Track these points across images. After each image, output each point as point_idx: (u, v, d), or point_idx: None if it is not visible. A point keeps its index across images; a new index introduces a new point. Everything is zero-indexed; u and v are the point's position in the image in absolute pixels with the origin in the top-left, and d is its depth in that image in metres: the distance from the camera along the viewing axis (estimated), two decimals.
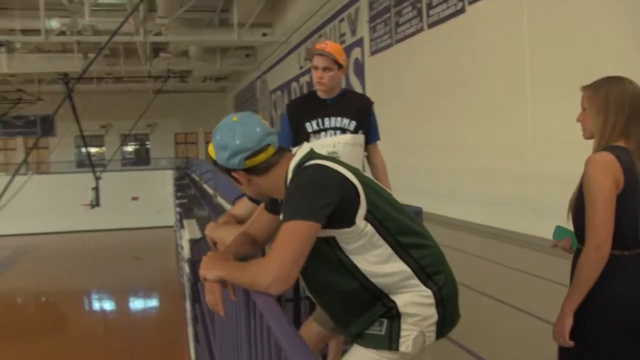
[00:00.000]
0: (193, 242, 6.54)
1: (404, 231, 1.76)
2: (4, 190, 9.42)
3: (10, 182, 9.61)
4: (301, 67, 14.68)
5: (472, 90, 6.70)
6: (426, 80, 7.79)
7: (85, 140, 19.75)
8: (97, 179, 18.89)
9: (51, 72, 19.18)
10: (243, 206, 2.83)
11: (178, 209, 16.61)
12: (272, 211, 1.94)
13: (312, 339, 2.27)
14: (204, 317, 4.64)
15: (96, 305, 16.53)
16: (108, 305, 16.33)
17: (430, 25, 7.55)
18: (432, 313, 1.74)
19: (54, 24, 14.66)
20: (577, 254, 2.12)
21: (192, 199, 15.38)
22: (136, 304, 16.19)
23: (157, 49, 20.11)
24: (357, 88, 10.51)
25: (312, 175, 1.70)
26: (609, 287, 2.01)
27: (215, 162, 1.82)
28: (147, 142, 31.05)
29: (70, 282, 16.97)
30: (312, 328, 2.29)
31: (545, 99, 5.57)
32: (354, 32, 10.54)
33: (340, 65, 3.22)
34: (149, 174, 25.53)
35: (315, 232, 1.62)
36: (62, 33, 15.05)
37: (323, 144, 3.23)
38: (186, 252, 7.61)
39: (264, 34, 16.46)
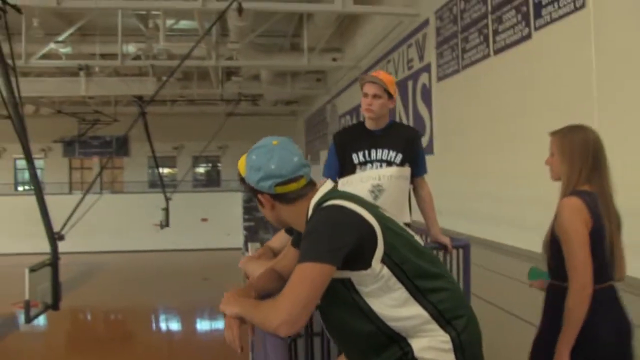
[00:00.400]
0: None
1: (423, 275, 1.71)
2: (75, 208, 9.76)
3: (81, 200, 9.97)
4: None
5: (538, 118, 6.47)
6: (493, 107, 7.60)
7: (156, 160, 20.33)
8: (168, 199, 19.37)
9: (127, 94, 19.91)
10: (279, 239, 2.81)
11: (244, 232, 16.79)
12: (299, 246, 1.93)
13: None
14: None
15: (163, 325, 16.83)
16: (175, 325, 16.58)
17: (497, 52, 7.38)
18: (450, 359, 1.67)
19: (131, 48, 15.27)
20: (549, 289, 2.36)
21: (258, 222, 15.53)
22: (203, 324, 16.36)
23: (229, 73, 20.59)
24: (425, 114, 10.39)
25: (329, 216, 1.66)
26: (592, 322, 2.15)
27: (242, 179, 1.79)
28: (219, 164, 31.69)
29: (138, 301, 17.38)
30: None
31: (612, 127, 5.32)
32: (421, 57, 10.46)
33: (390, 95, 3.16)
34: (219, 196, 26.01)
35: (329, 274, 1.58)
36: (138, 57, 15.61)
37: (368, 176, 3.18)
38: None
39: (334, 59, 16.59)
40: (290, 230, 2.29)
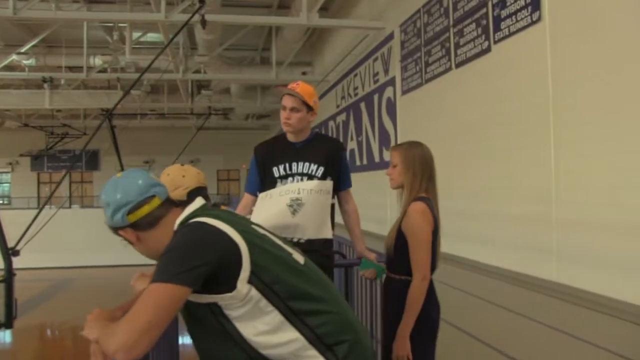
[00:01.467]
0: None
1: (299, 296, 1.56)
2: (31, 223, 9.52)
3: (37, 214, 9.72)
4: (338, 106, 14.63)
5: (499, 131, 6.46)
6: (455, 120, 7.57)
7: None
8: None
9: (94, 107, 19.67)
10: None
11: None
12: None
13: None
14: None
15: None
16: None
17: (458, 65, 7.36)
18: None
19: (97, 61, 15.05)
20: (387, 281, 2.73)
21: None
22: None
23: (200, 86, 20.45)
24: (389, 127, 10.34)
25: (188, 234, 1.52)
26: (426, 305, 2.55)
27: (107, 224, 1.68)
28: None
29: None
30: None
31: (568, 135, 5.31)
32: (386, 71, 10.43)
33: (310, 108, 3.04)
34: None
35: (180, 297, 1.43)
36: (104, 70, 15.41)
37: (287, 190, 3.04)
38: None
39: (304, 73, 16.54)
40: None
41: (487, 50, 6.58)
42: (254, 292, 1.51)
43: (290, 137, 3.12)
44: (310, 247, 2.93)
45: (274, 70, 15.47)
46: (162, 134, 27.04)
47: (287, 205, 2.98)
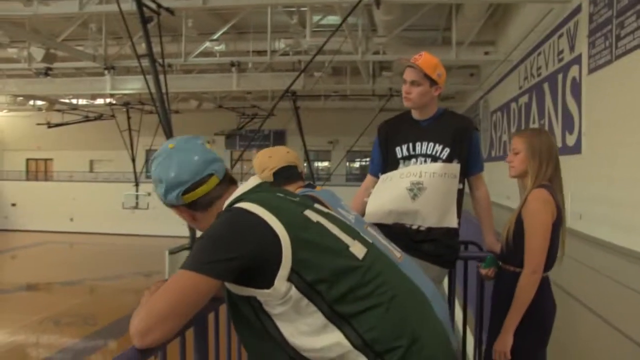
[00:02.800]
0: None
1: (345, 297, 1.38)
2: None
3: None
4: (520, 87, 13.77)
5: None
6: None
7: (307, 154, 20.73)
8: None
9: (279, 89, 20.55)
10: None
11: None
12: None
13: None
14: None
15: None
16: None
17: None
18: None
19: (281, 44, 15.65)
20: (499, 273, 2.61)
21: None
22: None
23: (382, 68, 20.46)
24: (574, 110, 9.49)
25: (225, 222, 1.39)
26: (537, 304, 2.43)
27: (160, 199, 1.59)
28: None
29: None
30: None
31: None
32: (572, 48, 9.56)
33: (433, 82, 2.79)
34: None
35: (206, 289, 1.33)
36: (286, 53, 15.98)
37: (409, 173, 2.82)
38: None
39: (486, 53, 15.82)
40: None
41: None
42: (294, 291, 1.37)
43: (415, 115, 2.93)
44: (430, 236, 2.73)
45: (454, 50, 14.95)
46: (344, 115, 27.60)
47: (407, 189, 2.79)
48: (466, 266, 3.61)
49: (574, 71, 9.40)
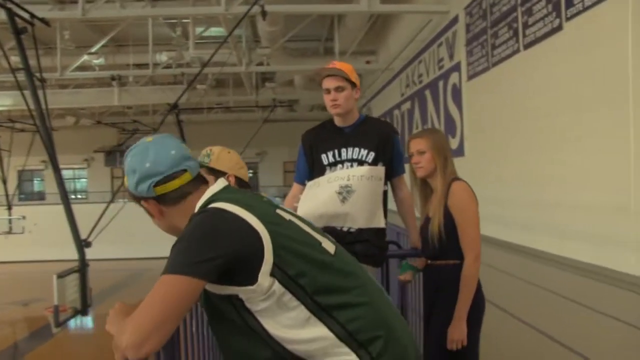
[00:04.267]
0: None
1: (327, 289, 1.41)
2: (101, 216, 9.88)
3: (106, 208, 10.06)
4: (402, 94, 14.32)
5: (571, 116, 6.06)
6: (523, 105, 7.19)
7: None
8: None
9: (162, 103, 20.11)
10: None
11: None
12: None
13: None
14: None
15: None
16: None
17: (527, 46, 6.96)
18: None
19: (163, 57, 15.32)
20: (434, 270, 2.65)
21: None
22: None
23: (264, 79, 20.54)
24: (455, 114, 10.00)
25: (204, 221, 1.36)
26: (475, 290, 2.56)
27: (129, 191, 1.56)
28: (256, 171, 31.82)
29: None
30: None
31: None
32: (451, 56, 10.08)
33: (353, 84, 2.89)
34: None
35: (192, 290, 1.30)
36: (169, 66, 15.67)
37: (336, 177, 2.89)
38: None
39: (368, 62, 16.30)
40: None
41: (559, 28, 6.17)
42: (277, 285, 1.38)
43: (338, 122, 2.99)
44: (361, 237, 2.81)
45: (337, 60, 15.29)
46: (228, 127, 27.36)
47: (337, 193, 2.85)
48: (387, 264, 3.74)
49: (454, 78, 9.93)
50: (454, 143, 9.70)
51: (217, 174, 2.74)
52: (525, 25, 6.95)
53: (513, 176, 7.49)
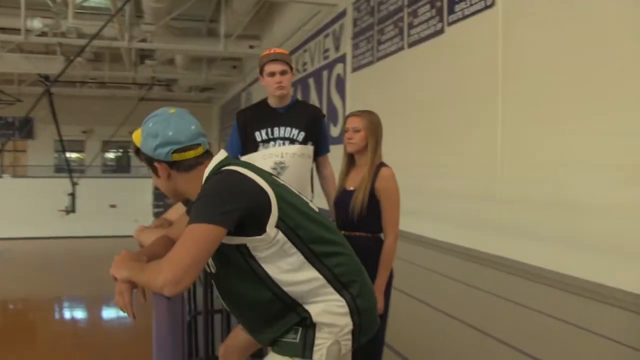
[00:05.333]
0: None
1: (318, 240, 1.74)
2: None
3: None
4: None
5: (449, 111, 6.72)
6: (406, 99, 7.80)
7: (63, 144, 19.50)
8: (74, 184, 18.62)
9: (32, 73, 19.00)
10: (176, 211, 2.80)
11: (154, 218, 16.43)
12: None
13: (240, 344, 2.22)
14: None
15: (67, 314, 16.12)
16: (80, 314, 15.92)
17: (411, 45, 7.57)
18: (346, 322, 1.73)
19: (36, 24, 14.47)
20: (355, 238, 2.70)
21: (168, 208, 15.26)
22: (110, 313, 15.81)
23: (143, 56, 20.01)
24: (338, 104, 10.51)
25: (222, 180, 1.66)
26: None
27: (137, 150, 1.78)
28: (130, 150, 30.80)
29: (41, 289, 16.53)
30: (240, 335, 2.24)
31: (515, 119, 5.62)
32: (337, 48, 10.56)
33: (291, 69, 3.20)
34: (129, 182, 25.08)
35: (218, 236, 1.57)
36: (44, 34, 14.85)
37: (271, 154, 3.16)
38: None
39: (251, 46, 16.42)
40: (187, 202, 2.29)
41: (441, 31, 6.81)
42: (281, 235, 1.66)
43: (273, 103, 3.23)
44: None
45: (222, 43, 15.36)
46: (102, 103, 26.28)
47: (271, 169, 3.09)
48: None
49: (338, 69, 10.45)
50: (335, 131, 10.21)
51: None
52: (411, 26, 7.56)
53: (397, 164, 8.07)
